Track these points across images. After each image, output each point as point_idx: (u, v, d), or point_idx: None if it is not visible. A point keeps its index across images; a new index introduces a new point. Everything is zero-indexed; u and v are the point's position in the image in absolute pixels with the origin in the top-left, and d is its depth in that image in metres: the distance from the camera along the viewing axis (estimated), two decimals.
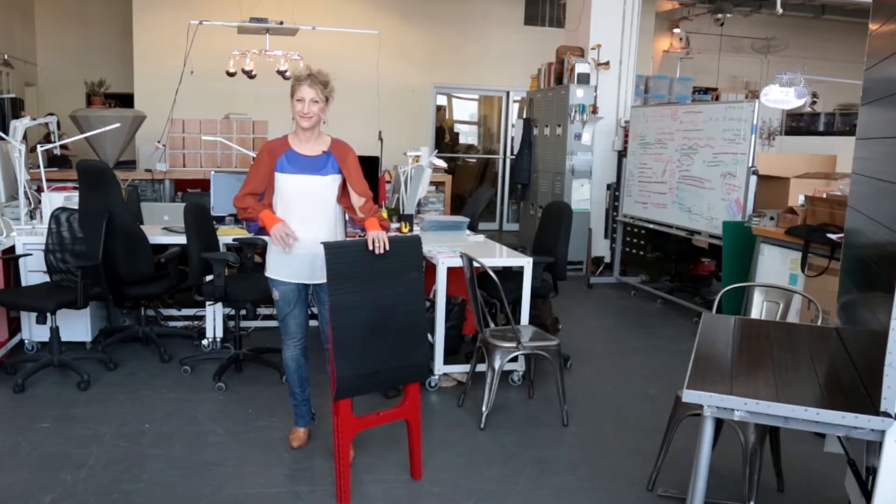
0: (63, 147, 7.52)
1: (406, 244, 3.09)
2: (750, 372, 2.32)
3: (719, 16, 11.63)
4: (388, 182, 6.04)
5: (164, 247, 4.69)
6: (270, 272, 3.30)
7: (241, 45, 8.38)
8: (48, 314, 4.13)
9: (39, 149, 5.11)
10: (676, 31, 12.42)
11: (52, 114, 7.66)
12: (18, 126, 5.03)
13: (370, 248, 2.95)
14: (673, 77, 9.15)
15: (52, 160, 7.35)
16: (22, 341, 4.71)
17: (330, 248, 2.88)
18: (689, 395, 2.09)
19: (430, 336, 3.96)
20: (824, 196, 4.59)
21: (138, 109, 8.25)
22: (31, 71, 10.24)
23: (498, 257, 4.60)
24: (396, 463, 3.28)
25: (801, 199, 4.81)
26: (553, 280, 4.77)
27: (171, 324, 5.29)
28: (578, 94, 7.56)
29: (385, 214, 5.24)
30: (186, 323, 5.30)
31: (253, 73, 8.13)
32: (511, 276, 4.45)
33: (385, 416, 3.13)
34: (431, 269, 4.34)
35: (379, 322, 2.94)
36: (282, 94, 10.06)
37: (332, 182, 3.24)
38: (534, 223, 6.98)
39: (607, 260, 7.75)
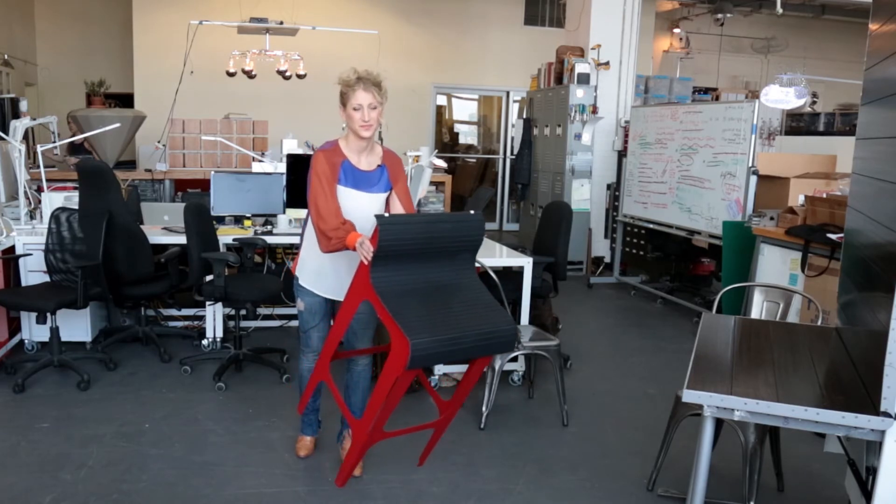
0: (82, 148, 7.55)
1: (467, 224, 2.78)
2: (750, 372, 2.32)
3: (719, 16, 11.63)
4: None
5: (164, 247, 4.69)
6: (304, 281, 3.07)
7: (241, 45, 8.39)
8: (48, 314, 4.13)
9: (40, 149, 5.11)
10: (676, 31, 12.42)
11: (73, 112, 7.69)
12: (18, 126, 5.03)
13: None
14: (673, 77, 9.15)
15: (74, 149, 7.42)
16: (22, 341, 4.70)
17: (385, 222, 2.57)
18: (689, 395, 2.09)
19: None
20: (824, 196, 4.59)
21: (138, 109, 8.25)
22: (31, 71, 10.25)
23: (498, 257, 4.60)
24: (397, 463, 3.28)
25: (801, 199, 4.81)
26: (553, 280, 4.77)
27: (171, 324, 5.29)
28: (578, 94, 7.56)
29: None
30: (186, 323, 5.30)
31: (253, 73, 8.14)
32: (511, 276, 4.45)
33: (414, 429, 3.05)
34: None
35: (434, 295, 2.65)
36: (282, 94, 10.10)
37: (382, 201, 3.06)
38: (534, 223, 6.98)
39: (607, 260, 7.75)
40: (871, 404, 1.96)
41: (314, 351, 3.17)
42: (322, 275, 3.04)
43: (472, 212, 2.82)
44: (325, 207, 2.86)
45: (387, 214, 2.67)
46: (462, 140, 12.21)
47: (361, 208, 2.99)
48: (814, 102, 10.08)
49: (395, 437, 3.24)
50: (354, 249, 2.72)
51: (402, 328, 2.47)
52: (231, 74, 8.14)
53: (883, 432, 1.93)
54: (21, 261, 4.57)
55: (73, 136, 7.18)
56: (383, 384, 2.58)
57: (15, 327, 4.71)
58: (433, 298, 2.65)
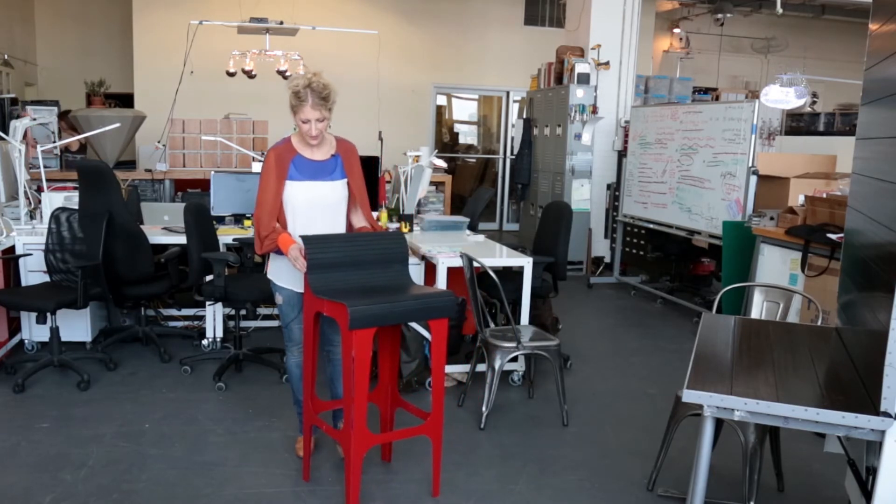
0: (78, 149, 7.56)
1: (389, 239, 3.10)
2: (750, 372, 2.32)
3: (719, 16, 11.63)
4: (388, 182, 6.04)
5: (164, 247, 4.69)
6: (274, 277, 3.20)
7: (241, 45, 8.39)
8: (48, 314, 4.13)
9: (40, 148, 5.11)
10: (676, 31, 12.42)
11: (68, 110, 7.70)
12: (18, 126, 5.02)
13: None
14: (673, 77, 9.15)
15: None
16: (22, 341, 4.71)
17: (310, 240, 2.87)
18: (689, 395, 2.09)
19: (427, 334, 3.94)
20: (824, 196, 4.59)
21: (138, 109, 8.24)
22: (31, 71, 10.25)
23: (498, 257, 4.60)
24: (396, 463, 3.28)
25: (801, 199, 4.81)
26: (553, 280, 4.77)
27: (171, 324, 5.29)
28: (578, 94, 7.56)
29: (385, 215, 5.24)
30: (186, 323, 5.30)
31: (253, 73, 8.14)
32: (511, 276, 4.45)
33: (405, 432, 3.07)
34: (431, 268, 4.34)
35: (371, 290, 2.87)
36: (282, 93, 10.10)
37: (342, 187, 3.16)
38: (534, 223, 6.98)
39: (607, 260, 7.74)
40: (871, 404, 1.96)
41: (297, 344, 3.23)
42: (291, 271, 3.09)
43: (390, 229, 3.02)
44: (260, 210, 3.05)
45: (309, 234, 2.92)
46: (462, 140, 12.21)
47: (319, 198, 3.11)
48: (814, 102, 10.08)
49: (393, 440, 3.25)
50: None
51: (339, 301, 2.69)
52: (231, 74, 8.14)
53: (883, 432, 1.93)
54: (21, 261, 4.57)
55: (70, 137, 7.17)
56: (345, 356, 2.75)
57: (15, 327, 4.71)
58: (371, 290, 2.89)
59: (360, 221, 3.26)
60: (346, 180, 3.18)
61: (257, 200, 3.09)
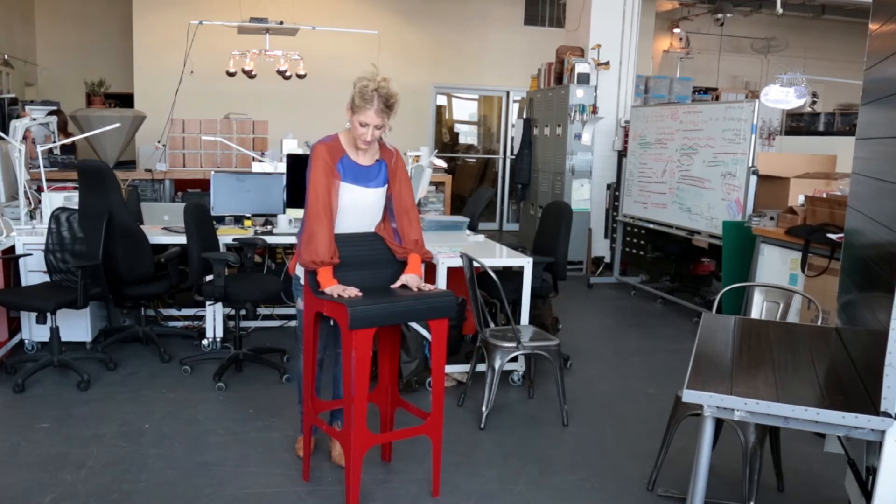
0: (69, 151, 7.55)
1: (382, 240, 3.08)
2: (750, 372, 2.32)
3: (719, 16, 11.63)
4: None
5: (164, 247, 4.69)
6: (303, 280, 3.10)
7: (241, 45, 8.39)
8: (48, 314, 4.13)
9: (40, 148, 5.11)
10: (676, 31, 12.42)
11: (73, 112, 7.69)
12: (18, 126, 5.03)
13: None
14: (673, 77, 9.15)
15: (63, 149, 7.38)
16: (22, 341, 4.71)
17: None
18: (689, 395, 2.09)
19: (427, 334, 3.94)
20: (824, 196, 4.59)
21: (138, 109, 8.25)
22: (31, 71, 10.25)
23: (498, 257, 4.60)
24: (396, 463, 3.28)
25: (801, 199, 4.81)
26: (553, 280, 4.78)
27: (171, 324, 5.29)
28: (578, 94, 7.56)
29: None
30: (186, 323, 5.30)
31: (253, 73, 8.14)
32: (511, 276, 4.45)
33: (405, 432, 3.08)
34: (431, 269, 4.34)
35: (371, 289, 2.86)
36: (282, 94, 10.13)
37: (383, 194, 3.08)
38: (534, 223, 6.98)
39: (607, 260, 7.75)
40: (871, 404, 1.96)
41: None
42: None
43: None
44: (317, 215, 2.87)
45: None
46: (462, 140, 12.21)
47: (360, 203, 3.04)
48: (814, 102, 10.08)
49: (393, 440, 3.24)
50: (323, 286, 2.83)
51: (339, 301, 2.71)
52: (231, 74, 8.14)
53: (883, 432, 1.93)
54: (21, 261, 4.57)
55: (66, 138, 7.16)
56: (345, 356, 2.76)
57: (15, 327, 4.71)
58: (371, 290, 2.88)
59: (404, 234, 3.07)
60: (386, 187, 3.09)
61: (308, 198, 2.90)
